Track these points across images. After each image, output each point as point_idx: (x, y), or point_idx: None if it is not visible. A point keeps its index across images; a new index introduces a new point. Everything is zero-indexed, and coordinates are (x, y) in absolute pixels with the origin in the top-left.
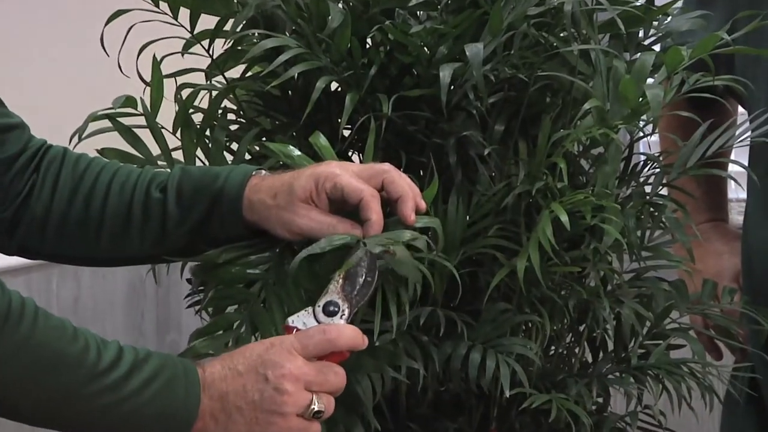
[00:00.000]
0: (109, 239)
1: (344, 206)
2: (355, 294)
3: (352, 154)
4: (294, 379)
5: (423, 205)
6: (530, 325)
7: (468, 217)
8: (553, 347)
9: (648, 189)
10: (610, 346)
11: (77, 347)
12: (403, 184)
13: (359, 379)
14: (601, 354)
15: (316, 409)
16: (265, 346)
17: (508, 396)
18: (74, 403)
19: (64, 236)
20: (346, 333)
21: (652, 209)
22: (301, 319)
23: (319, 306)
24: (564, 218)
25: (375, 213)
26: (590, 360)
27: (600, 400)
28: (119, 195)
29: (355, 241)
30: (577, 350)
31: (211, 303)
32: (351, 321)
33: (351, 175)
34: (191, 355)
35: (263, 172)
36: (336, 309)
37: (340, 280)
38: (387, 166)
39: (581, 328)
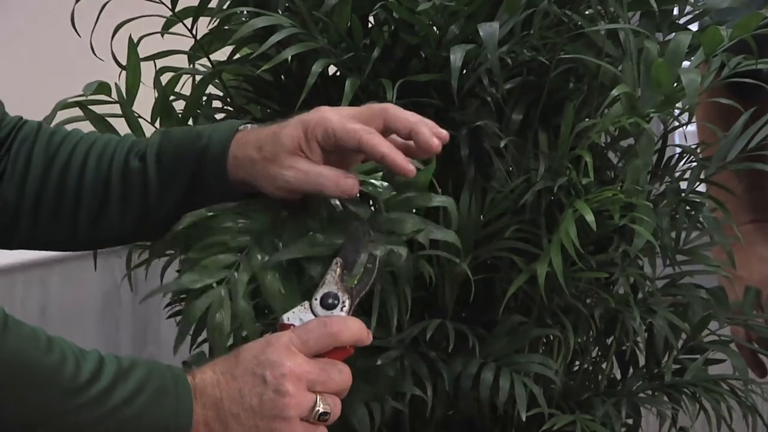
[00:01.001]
0: (87, 219)
1: (343, 157)
2: (355, 283)
3: None
4: (295, 378)
5: (444, 133)
6: (552, 337)
7: (482, 217)
8: (577, 362)
9: (684, 185)
10: (641, 361)
11: (53, 359)
12: (407, 115)
13: (354, 408)
14: (631, 370)
15: (321, 410)
16: (260, 345)
17: (524, 420)
18: (52, 421)
19: (40, 220)
20: (349, 325)
21: (688, 208)
22: (297, 315)
23: (316, 299)
24: (590, 218)
25: (384, 146)
26: (619, 377)
27: (630, 421)
28: (96, 169)
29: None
30: (604, 366)
31: (198, 252)
32: (352, 314)
33: (344, 118)
34: (175, 287)
35: (250, 126)
36: (335, 301)
37: (338, 270)
38: (385, 105)
39: (609, 340)
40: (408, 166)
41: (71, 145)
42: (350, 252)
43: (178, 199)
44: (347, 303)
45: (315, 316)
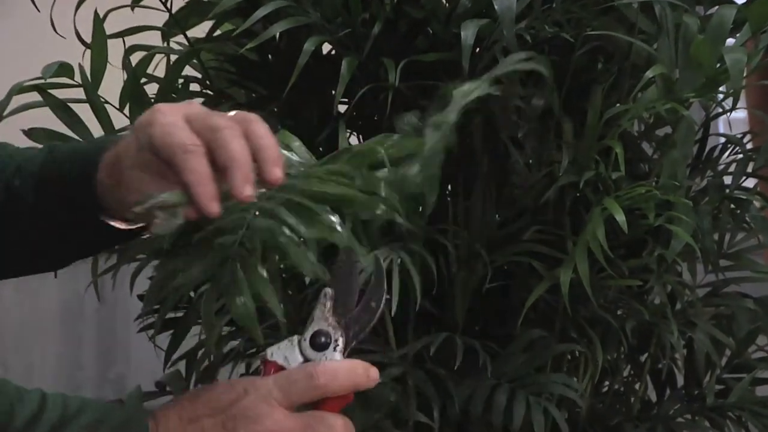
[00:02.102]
0: None
1: None
2: (353, 317)
3: (350, 136)
4: None
5: (275, 175)
6: (577, 354)
7: (497, 217)
8: (606, 382)
9: (728, 180)
10: (680, 380)
11: None
12: (233, 147)
13: None
14: (667, 391)
15: None
16: (235, 392)
17: None
18: None
19: None
20: (340, 373)
21: (733, 206)
22: (282, 352)
23: (305, 339)
24: (620, 218)
25: (191, 173)
26: (654, 399)
27: None
28: None
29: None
30: (637, 386)
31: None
32: (348, 352)
33: (172, 122)
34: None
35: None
36: (327, 340)
37: (328, 303)
38: (224, 122)
39: (642, 357)
40: (209, 204)
41: None
42: (342, 281)
43: (59, 232)
44: (341, 341)
45: (303, 355)
